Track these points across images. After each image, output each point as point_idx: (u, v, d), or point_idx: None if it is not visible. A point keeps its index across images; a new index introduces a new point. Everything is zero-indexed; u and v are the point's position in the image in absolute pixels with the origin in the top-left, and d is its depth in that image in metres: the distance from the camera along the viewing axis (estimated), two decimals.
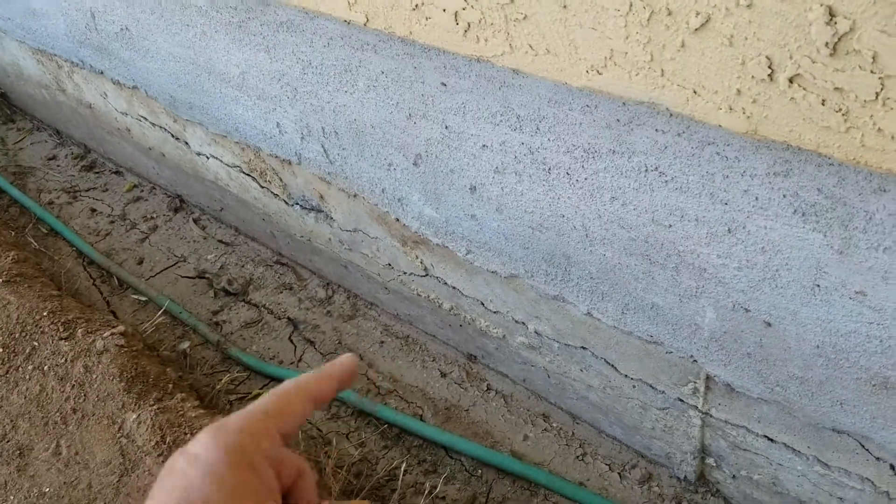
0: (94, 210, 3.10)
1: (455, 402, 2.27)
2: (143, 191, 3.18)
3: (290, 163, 2.27)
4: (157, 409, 1.76)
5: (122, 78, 2.69)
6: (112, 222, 3.04)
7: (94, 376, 1.83)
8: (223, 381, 2.15)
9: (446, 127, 1.70)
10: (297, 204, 2.43)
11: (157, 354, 2.04)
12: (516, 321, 2.01)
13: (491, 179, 1.71)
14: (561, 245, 1.69)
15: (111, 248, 2.93)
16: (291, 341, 2.52)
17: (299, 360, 2.45)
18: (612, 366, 1.86)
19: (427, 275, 2.19)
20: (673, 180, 1.36)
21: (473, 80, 1.55)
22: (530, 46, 1.35)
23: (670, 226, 1.42)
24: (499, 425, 2.21)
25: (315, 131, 2.07)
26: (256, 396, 2.42)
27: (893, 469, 1.42)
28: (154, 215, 3.06)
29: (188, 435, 1.72)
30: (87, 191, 3.20)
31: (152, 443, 1.73)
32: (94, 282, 2.80)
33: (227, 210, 2.86)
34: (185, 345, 2.56)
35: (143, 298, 2.73)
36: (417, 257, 2.16)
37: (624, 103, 1.32)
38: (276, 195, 2.48)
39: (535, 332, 1.97)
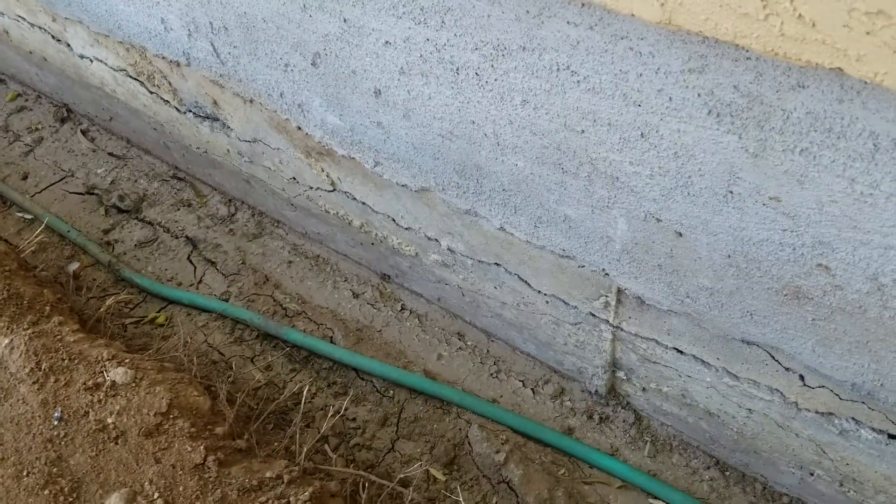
0: None
1: (367, 324, 2.18)
2: (27, 100, 2.90)
3: (178, 64, 2.07)
4: (32, 333, 1.61)
5: None
6: None
7: None
8: (108, 304, 1.99)
9: (345, 20, 1.54)
10: (190, 111, 2.23)
11: (34, 276, 1.87)
12: (429, 238, 1.90)
13: (396, 81, 1.57)
14: (472, 154, 1.57)
15: None
16: (191, 261, 2.36)
17: (199, 282, 2.31)
18: (526, 282, 1.79)
19: (335, 189, 2.05)
20: (585, 80, 1.25)
21: None
22: None
23: (582, 131, 1.33)
24: (413, 345, 2.13)
25: (203, 27, 1.87)
26: (153, 319, 2.28)
27: (803, 379, 1.41)
28: (39, 126, 2.79)
29: (66, 361, 1.58)
30: None
31: (26, 369, 1.58)
32: None
33: (117, 120, 2.63)
34: (74, 266, 2.38)
35: (29, 216, 2.51)
36: (323, 170, 2.02)
37: None
38: (167, 101, 2.27)
39: (449, 248, 1.88)
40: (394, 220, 1.97)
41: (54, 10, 2.33)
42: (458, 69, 1.43)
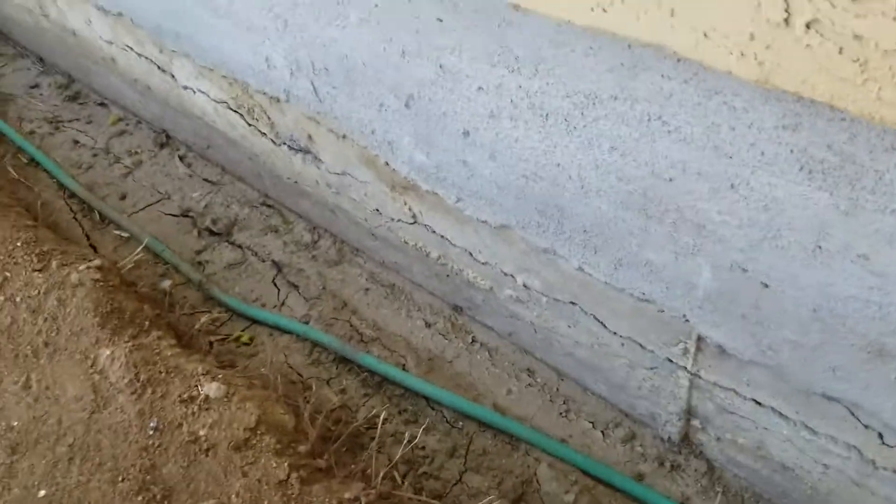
0: (76, 142, 3.00)
1: (439, 354, 2.23)
2: (128, 124, 3.09)
3: (278, 100, 2.19)
4: (133, 346, 1.71)
5: (106, 4, 2.57)
6: (95, 155, 2.95)
7: (68, 310, 1.78)
8: (203, 321, 2.10)
9: (440, 66, 1.62)
10: (285, 144, 2.35)
11: (135, 291, 1.99)
12: (505, 273, 1.95)
13: (485, 124, 1.64)
14: (555, 196, 1.63)
15: (93, 182, 2.85)
16: (275, 284, 2.46)
17: (282, 304, 2.40)
18: (602, 323, 1.82)
19: (415, 222, 2.13)
20: (676, 130, 1.29)
21: (471, 16, 1.47)
22: None
23: (671, 179, 1.36)
24: (482, 378, 2.17)
25: (305, 67, 1.98)
26: (238, 339, 2.39)
27: (882, 437, 1.39)
28: (139, 150, 2.97)
29: (163, 374, 1.68)
30: (70, 122, 3.10)
31: (126, 380, 1.69)
32: (74, 215, 2.72)
33: (214, 148, 2.77)
34: (167, 283, 2.51)
35: (125, 235, 2.67)
36: (406, 203, 2.10)
37: (629, 46, 1.24)
38: (264, 134, 2.40)
39: (524, 285, 1.92)
40: (471, 255, 2.02)
41: (162, 43, 2.50)
42: (547, 115, 1.49)
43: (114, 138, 3.03)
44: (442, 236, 2.07)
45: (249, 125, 2.43)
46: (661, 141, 1.33)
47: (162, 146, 2.97)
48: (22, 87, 3.28)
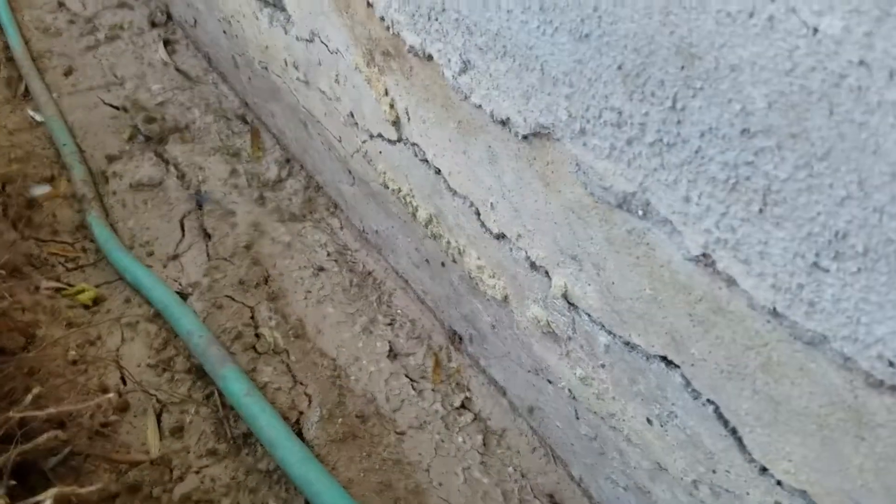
0: (61, 5, 2.19)
1: (387, 412, 1.11)
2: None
3: None
4: None
5: None
6: (72, 22, 2.12)
7: None
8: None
9: None
10: None
11: None
12: (532, 263, 0.83)
13: None
14: (681, 7, 0.49)
15: (47, 50, 2.01)
16: (182, 226, 1.45)
17: (174, 257, 1.38)
18: (734, 432, 0.64)
19: (400, 139, 1.05)
20: None
21: None
22: None
23: None
24: (452, 495, 1.02)
25: None
26: (79, 293, 1.36)
27: None
28: (125, 26, 2.10)
29: None
30: None
31: None
32: None
33: (200, 24, 1.84)
34: (42, 190, 1.57)
35: (39, 118, 1.78)
36: (387, 94, 1.03)
37: None
38: None
39: (565, 294, 0.78)
40: (478, 214, 0.91)
41: None
42: None
43: (108, 10, 2.18)
44: (436, 169, 0.98)
45: None
46: None
47: (154, 25, 2.09)
48: None
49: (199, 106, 1.78)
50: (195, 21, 1.87)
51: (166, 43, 2.02)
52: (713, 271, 0.59)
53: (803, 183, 0.49)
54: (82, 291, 1.34)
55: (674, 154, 0.59)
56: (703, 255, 0.59)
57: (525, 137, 0.77)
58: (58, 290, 1.36)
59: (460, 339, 1.15)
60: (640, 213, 0.65)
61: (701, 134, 0.56)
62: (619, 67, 0.61)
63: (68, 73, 1.93)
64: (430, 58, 0.89)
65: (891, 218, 0.45)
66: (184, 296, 1.28)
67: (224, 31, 1.65)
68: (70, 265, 1.42)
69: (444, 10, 0.82)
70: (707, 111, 0.54)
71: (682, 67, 0.55)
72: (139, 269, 1.31)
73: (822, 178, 0.48)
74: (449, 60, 0.85)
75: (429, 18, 0.86)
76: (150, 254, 1.41)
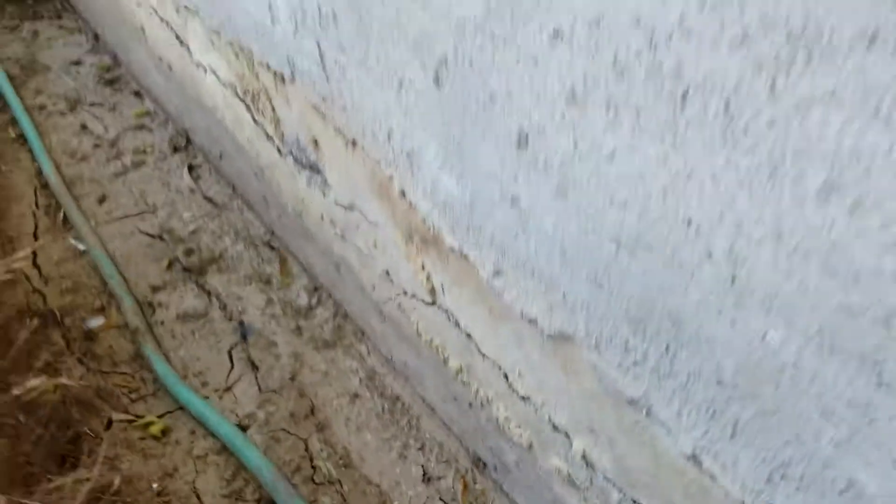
0: (84, 127, 2.40)
1: None
2: (153, 120, 2.46)
3: (283, 79, 1.45)
4: None
5: None
6: (97, 146, 2.33)
7: None
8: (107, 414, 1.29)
9: None
10: (291, 154, 1.59)
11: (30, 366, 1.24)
12: (555, 426, 1.05)
13: (557, 118, 0.80)
14: (670, 291, 0.74)
15: (79, 176, 2.21)
16: (230, 357, 1.65)
17: (228, 389, 1.58)
18: None
19: (434, 303, 1.28)
20: None
21: None
22: None
23: None
24: None
25: (310, 15, 1.22)
26: (148, 425, 1.57)
27: None
28: (148, 149, 2.32)
29: None
30: (91, 105, 2.51)
31: None
32: (35, 210, 2.07)
33: (226, 158, 2.07)
34: (96, 323, 1.76)
35: (82, 247, 1.97)
36: (424, 268, 1.26)
37: None
38: (270, 138, 1.66)
39: (584, 457, 1.01)
40: (506, 377, 1.14)
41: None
42: (684, 98, 0.64)
43: (129, 131, 2.40)
44: (468, 334, 1.21)
45: (256, 123, 1.70)
46: None
47: (176, 150, 2.30)
48: (62, 60, 2.76)
49: (229, 234, 1.99)
50: (221, 154, 2.09)
51: (190, 168, 2.24)
52: (700, 468, 0.83)
53: (760, 425, 0.73)
54: (152, 423, 1.53)
55: (668, 382, 0.83)
56: (693, 455, 0.83)
57: (550, 336, 1.00)
58: (128, 421, 1.56)
59: (485, 465, 1.38)
60: (645, 412, 0.89)
61: (688, 374, 0.80)
62: (626, 312, 0.85)
63: (102, 200, 2.13)
64: (466, 257, 1.13)
65: (819, 460, 0.68)
66: (243, 427, 1.48)
67: (255, 175, 1.88)
68: (133, 395, 1.61)
69: (480, 228, 1.06)
70: (691, 361, 0.79)
71: (673, 326, 0.79)
72: (201, 403, 1.51)
73: (772, 425, 0.72)
74: (483, 265, 1.09)
75: (467, 230, 1.10)
76: (205, 384, 1.61)
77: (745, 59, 0.58)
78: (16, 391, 1.21)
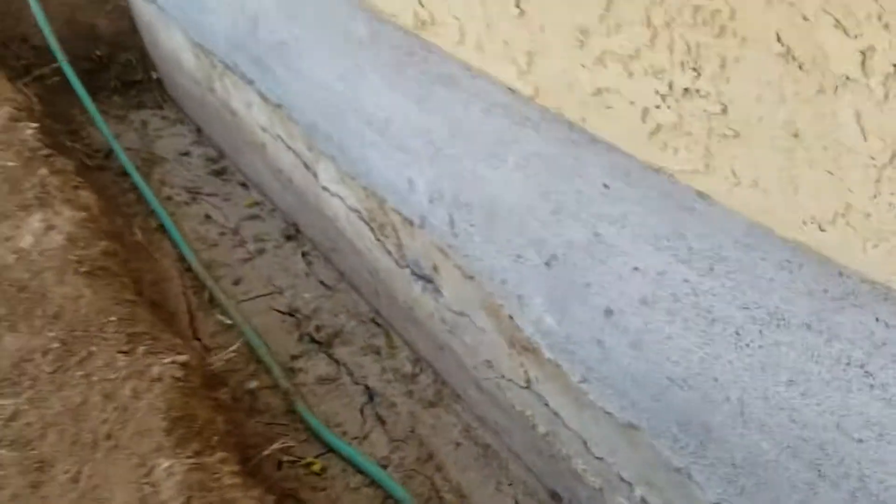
0: (208, 217, 3.00)
1: None
2: (262, 210, 3.07)
3: (411, 223, 2.05)
4: (194, 464, 1.54)
5: (269, 93, 2.58)
6: (223, 234, 2.93)
7: (140, 404, 1.64)
8: (274, 447, 1.90)
9: (596, 234, 1.42)
10: (409, 268, 2.20)
11: (214, 398, 1.84)
12: (622, 479, 1.66)
13: (633, 309, 1.41)
14: (703, 413, 1.35)
15: (213, 260, 2.81)
16: (362, 413, 2.26)
17: (364, 437, 2.19)
18: None
19: (528, 388, 1.89)
20: (882, 387, 1.01)
21: (645, 190, 1.26)
22: (733, 172, 1.06)
23: (861, 440, 1.07)
24: None
25: (447, 198, 1.84)
26: (310, 465, 2.18)
27: None
28: (265, 238, 2.92)
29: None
30: (208, 195, 3.12)
31: (178, 501, 1.51)
32: (185, 290, 2.67)
33: (338, 252, 2.68)
34: (254, 384, 2.36)
35: (228, 322, 2.57)
36: (522, 365, 1.87)
37: (842, 273, 1.00)
38: (390, 252, 2.26)
39: (643, 500, 1.62)
40: (585, 444, 1.75)
41: (312, 141, 2.45)
42: (714, 320, 1.25)
43: (245, 220, 3.01)
44: (556, 413, 1.82)
45: (377, 240, 2.30)
46: (858, 393, 1.05)
47: (289, 238, 2.91)
48: (174, 151, 3.37)
49: (343, 312, 2.60)
50: (334, 247, 2.70)
51: (303, 254, 2.84)
52: None
53: (758, 489, 1.35)
54: (313, 464, 2.14)
55: (701, 460, 1.44)
56: (716, 503, 1.45)
57: (621, 424, 1.62)
58: (293, 462, 2.17)
59: (561, 498, 2.00)
60: (686, 476, 1.50)
61: (714, 458, 1.41)
62: (675, 419, 1.46)
63: (237, 282, 2.73)
64: (559, 366, 1.74)
65: None
66: (383, 466, 2.09)
67: (369, 272, 2.49)
68: (292, 442, 2.22)
69: (573, 353, 1.67)
70: (716, 452, 1.40)
71: (704, 431, 1.41)
72: (351, 449, 2.12)
73: (765, 489, 1.34)
74: (573, 373, 1.69)
75: (562, 351, 1.71)
76: (344, 434, 2.22)
77: None
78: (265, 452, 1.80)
